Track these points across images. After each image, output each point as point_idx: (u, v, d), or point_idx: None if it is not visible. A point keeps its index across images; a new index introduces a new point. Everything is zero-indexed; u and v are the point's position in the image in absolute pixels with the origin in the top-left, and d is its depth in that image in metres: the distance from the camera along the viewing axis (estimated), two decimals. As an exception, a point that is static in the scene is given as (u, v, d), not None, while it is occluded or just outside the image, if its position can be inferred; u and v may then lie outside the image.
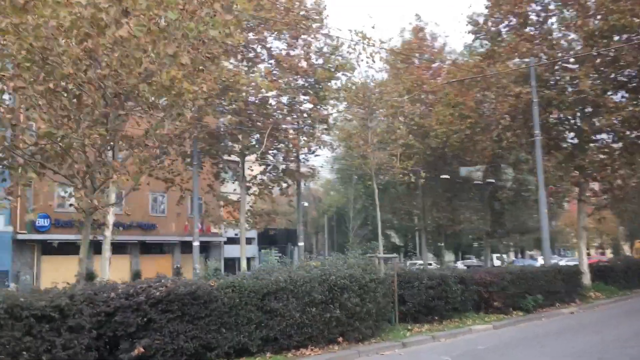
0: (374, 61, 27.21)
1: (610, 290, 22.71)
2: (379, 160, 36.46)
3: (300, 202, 30.86)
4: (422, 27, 36.75)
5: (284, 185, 27.30)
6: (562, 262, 36.02)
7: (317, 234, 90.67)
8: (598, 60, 20.92)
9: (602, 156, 21.89)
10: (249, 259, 44.26)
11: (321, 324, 10.66)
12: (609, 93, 22.35)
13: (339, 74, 26.83)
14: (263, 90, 22.36)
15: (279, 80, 24.69)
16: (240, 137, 24.30)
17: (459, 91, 27.15)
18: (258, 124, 23.62)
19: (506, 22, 24.07)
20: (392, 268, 14.15)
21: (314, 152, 27.46)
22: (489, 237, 41.76)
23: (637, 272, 25.58)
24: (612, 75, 22.18)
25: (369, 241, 71.15)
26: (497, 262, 60.44)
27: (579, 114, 22.05)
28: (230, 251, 42.71)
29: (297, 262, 48.03)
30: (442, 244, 40.58)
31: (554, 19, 23.38)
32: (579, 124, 21.71)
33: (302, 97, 25.58)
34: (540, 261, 46.72)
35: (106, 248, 19.74)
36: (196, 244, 24.95)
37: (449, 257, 74.55)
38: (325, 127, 26.27)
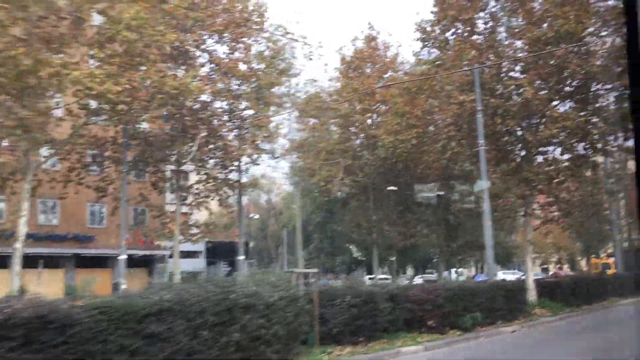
0: (325, 70, 26.12)
1: (556, 307, 21.90)
2: (328, 173, 35.68)
3: (242, 213, 29.46)
4: (374, 36, 36.03)
5: (224, 195, 25.93)
6: (515, 277, 35.54)
7: (277, 247, 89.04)
8: (543, 69, 20.25)
9: (547, 168, 21.18)
10: (195, 274, 42.52)
11: (217, 349, 9.31)
12: (556, 103, 21.79)
13: (283, 79, 25.75)
14: (197, 94, 21.06)
15: (218, 85, 23.45)
16: (174, 144, 22.93)
17: (407, 100, 26.32)
18: (194, 130, 22.27)
19: (453, 30, 23.34)
20: (315, 285, 12.93)
21: (255, 161, 26.22)
22: (442, 252, 40.99)
23: (586, 288, 24.90)
24: (560, 86, 21.63)
25: (328, 255, 69.98)
26: (455, 277, 59.82)
27: (524, 124, 21.34)
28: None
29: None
30: (394, 259, 39.47)
31: (502, 28, 22.80)
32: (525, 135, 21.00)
33: (243, 104, 24.35)
34: (501, 275, 46.27)
35: (16, 261, 18.13)
36: (123, 257, 23.35)
37: (411, 271, 73.87)
38: (266, 134, 25.04)
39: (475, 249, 52.42)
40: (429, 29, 24.28)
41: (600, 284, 26.57)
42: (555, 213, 22.38)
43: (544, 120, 20.29)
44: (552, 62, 20.11)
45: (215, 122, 23.00)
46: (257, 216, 79.78)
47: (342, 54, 35.64)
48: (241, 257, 27.80)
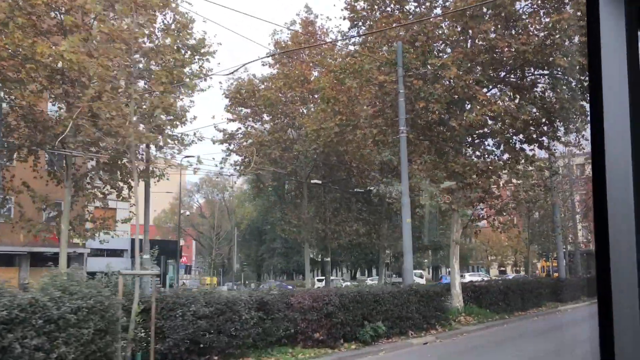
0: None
1: (483, 314, 19.80)
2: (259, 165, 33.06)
3: (149, 205, 26.61)
4: (312, 21, 33.65)
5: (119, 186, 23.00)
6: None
7: (230, 247, 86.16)
8: (472, 49, 18.10)
9: (477, 160, 19.03)
10: (106, 274, 39.45)
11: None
12: (490, 89, 19.74)
13: (197, 59, 23.04)
14: (79, 67, 18.18)
15: (113, 59, 20.56)
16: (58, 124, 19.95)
17: (334, 86, 23.91)
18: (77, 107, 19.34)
19: (383, 7, 21.07)
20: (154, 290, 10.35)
21: (161, 149, 23.39)
22: (384, 253, 38.89)
23: (519, 293, 22.92)
24: (491, 68, 19.56)
25: (282, 256, 66.81)
26: (418, 280, 57.67)
27: (455, 109, 19.14)
28: (97, 264, 37.54)
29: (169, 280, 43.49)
30: (328, 259, 37.07)
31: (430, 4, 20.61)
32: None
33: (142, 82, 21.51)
34: (468, 277, 44.23)
35: None
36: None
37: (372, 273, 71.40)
38: (171, 117, 22.22)
39: (424, 249, 50.90)
40: (358, 6, 21.99)
41: (536, 288, 24.64)
42: (484, 211, 20.18)
43: (469, 106, 18.06)
44: (480, 42, 17.99)
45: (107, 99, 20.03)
46: (187, 213, 76.65)
47: (276, 38, 33.19)
48: (146, 256, 24.92)
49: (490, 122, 18.77)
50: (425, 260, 77.32)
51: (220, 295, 10.71)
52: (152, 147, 24.04)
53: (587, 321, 22.25)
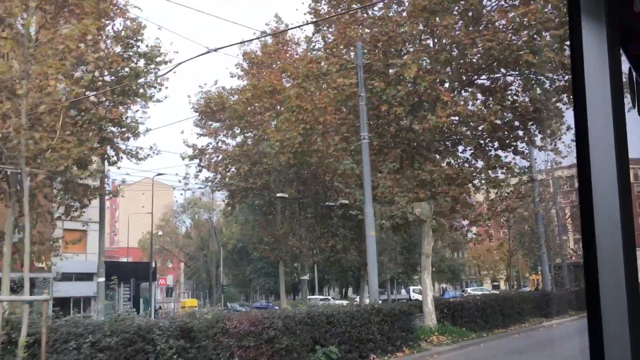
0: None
1: (458, 332, 18.32)
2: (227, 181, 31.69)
3: (104, 226, 25.10)
4: (282, 30, 32.51)
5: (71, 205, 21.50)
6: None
7: (217, 268, 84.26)
8: (434, 46, 16.92)
9: (446, 168, 17.72)
10: (88, 298, 37.69)
11: None
12: (459, 91, 18.54)
13: (151, 68, 21.75)
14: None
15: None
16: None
17: (299, 94, 22.63)
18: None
19: (346, 8, 19.90)
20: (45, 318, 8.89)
21: (114, 164, 22.00)
22: (364, 269, 37.34)
23: (499, 309, 21.48)
24: (460, 69, 18.43)
25: (269, 275, 64.97)
26: (415, 296, 55.94)
27: (420, 113, 17.86)
28: (63, 289, 35.86)
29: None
30: (306, 277, 35.49)
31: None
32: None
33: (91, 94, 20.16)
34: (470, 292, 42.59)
35: None
36: None
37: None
38: (123, 129, 20.85)
39: (409, 266, 49.47)
40: (320, 8, 20.86)
41: (519, 304, 23.22)
42: (456, 222, 18.79)
43: (435, 106, 16.78)
44: (444, 40, 16.81)
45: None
46: (160, 232, 74.91)
47: (245, 49, 32.00)
48: (100, 279, 23.40)
49: (459, 126, 17.51)
50: (416, 277, 75.83)
51: (133, 322, 9.23)
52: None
53: (573, 337, 20.85)
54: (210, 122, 32.65)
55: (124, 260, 63.44)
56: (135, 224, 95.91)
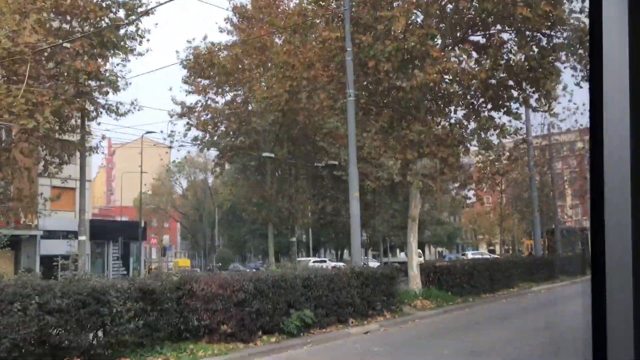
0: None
1: (443, 297, 17.92)
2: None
3: (84, 180, 24.44)
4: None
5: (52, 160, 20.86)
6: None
7: (212, 229, 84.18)
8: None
9: (433, 126, 17.00)
10: (76, 256, 37.24)
11: None
12: (451, 48, 17.67)
13: (131, 18, 20.80)
14: None
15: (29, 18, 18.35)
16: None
17: (289, 50, 21.74)
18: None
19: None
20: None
21: (94, 119, 21.26)
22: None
23: (487, 274, 21.08)
24: (452, 25, 17.55)
25: (263, 237, 64.73)
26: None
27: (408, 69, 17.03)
28: (50, 247, 35.44)
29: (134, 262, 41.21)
30: (294, 239, 35.10)
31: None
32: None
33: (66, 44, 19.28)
34: (470, 256, 42.51)
35: None
36: None
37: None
38: (102, 83, 20.02)
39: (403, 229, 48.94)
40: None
41: (507, 268, 22.84)
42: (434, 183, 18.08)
43: (424, 62, 15.94)
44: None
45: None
46: (149, 192, 74.41)
47: (235, 2, 30.81)
48: (82, 238, 22.95)
49: (450, 85, 16.73)
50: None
51: (87, 283, 8.69)
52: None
53: (561, 302, 20.54)
54: (199, 79, 31.69)
55: (119, 219, 62.98)
56: (132, 183, 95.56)
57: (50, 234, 36.24)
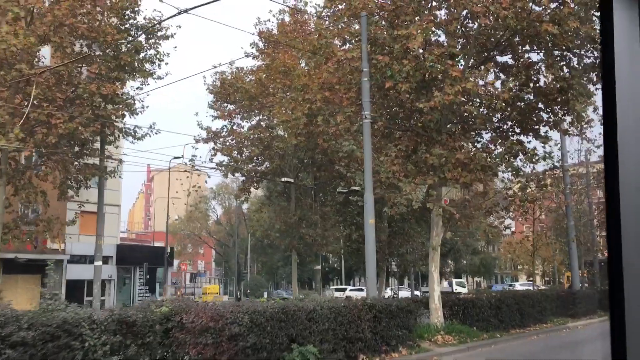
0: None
1: (467, 332, 16.75)
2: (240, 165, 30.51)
3: (102, 205, 24.12)
4: (300, 8, 31.03)
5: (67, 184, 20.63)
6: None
7: (245, 255, 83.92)
8: (445, 16, 15.25)
9: (457, 153, 16.03)
10: (103, 281, 37.15)
11: None
12: (475, 68, 16.81)
13: (151, 42, 20.68)
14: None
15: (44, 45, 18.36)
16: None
17: (309, 72, 21.28)
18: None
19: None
20: None
21: (112, 143, 21.05)
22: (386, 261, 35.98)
23: (517, 308, 19.77)
24: (475, 44, 16.73)
25: (297, 264, 64.07)
26: (460, 289, 53.98)
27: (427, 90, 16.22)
28: (77, 272, 35.42)
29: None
30: (319, 267, 34.20)
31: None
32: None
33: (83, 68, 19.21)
34: (518, 286, 40.69)
35: None
36: None
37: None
38: (117, 106, 19.80)
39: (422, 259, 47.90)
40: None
41: (540, 302, 21.43)
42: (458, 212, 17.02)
43: (443, 82, 15.12)
44: (454, 9, 15.13)
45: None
46: (176, 217, 74.51)
47: (260, 27, 30.64)
48: (97, 263, 22.57)
49: (471, 105, 15.83)
50: (448, 269, 74.08)
51: (58, 314, 8.06)
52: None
53: (597, 339, 19.03)
54: (225, 104, 31.51)
55: (156, 244, 63.17)
56: (170, 209, 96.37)
57: (77, 259, 36.24)
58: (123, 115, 20.06)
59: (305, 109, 19.75)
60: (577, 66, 16.80)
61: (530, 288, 34.00)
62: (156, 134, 21.32)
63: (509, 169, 18.04)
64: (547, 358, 15.28)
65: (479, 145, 18.61)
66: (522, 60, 17.81)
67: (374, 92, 16.51)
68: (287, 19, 30.39)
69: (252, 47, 30.26)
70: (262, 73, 27.74)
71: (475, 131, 18.37)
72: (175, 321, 9.74)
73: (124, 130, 20.58)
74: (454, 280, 72.10)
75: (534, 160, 16.49)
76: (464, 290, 58.29)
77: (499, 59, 18.37)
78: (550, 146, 17.09)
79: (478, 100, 15.46)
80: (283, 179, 25.80)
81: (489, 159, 15.65)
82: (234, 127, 31.14)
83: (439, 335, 16.02)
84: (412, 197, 15.58)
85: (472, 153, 16.37)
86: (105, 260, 38.30)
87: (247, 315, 10.18)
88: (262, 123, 29.12)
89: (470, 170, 16.09)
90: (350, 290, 51.91)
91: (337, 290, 55.35)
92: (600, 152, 29.51)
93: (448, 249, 63.63)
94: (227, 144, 31.05)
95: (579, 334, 20.48)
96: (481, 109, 17.52)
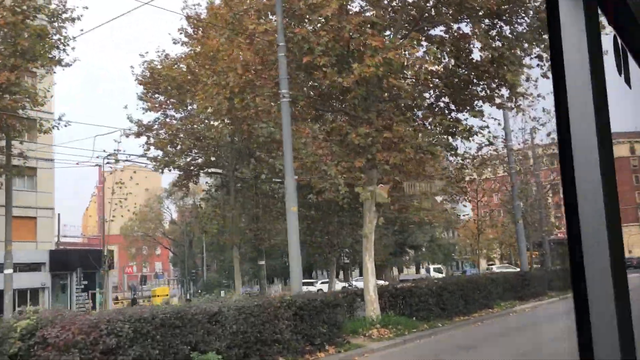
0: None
1: (405, 323, 15.60)
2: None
3: (11, 205, 22.13)
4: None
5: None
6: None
7: (201, 254, 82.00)
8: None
9: (380, 128, 14.79)
10: (36, 290, 34.87)
11: None
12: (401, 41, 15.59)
13: (56, 27, 18.78)
14: None
15: None
16: None
17: (229, 54, 19.69)
18: None
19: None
20: None
21: (16, 137, 19.10)
22: (336, 253, 34.93)
23: (460, 294, 18.77)
24: (402, 14, 15.53)
25: (253, 261, 62.40)
26: (437, 275, 52.73)
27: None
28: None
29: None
30: (263, 262, 32.79)
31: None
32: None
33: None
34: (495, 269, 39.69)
35: None
36: None
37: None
38: (15, 96, 17.88)
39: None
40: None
41: (485, 286, 20.52)
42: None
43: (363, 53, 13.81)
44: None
45: None
46: (112, 218, 72.19)
47: (188, 11, 28.86)
48: (8, 271, 20.62)
49: (397, 79, 14.59)
50: (408, 258, 73.66)
51: None
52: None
53: (550, 321, 18.21)
54: (156, 95, 29.67)
55: (96, 248, 60.45)
56: (123, 211, 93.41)
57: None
58: (23, 107, 18.11)
59: (227, 92, 18.19)
60: (509, 35, 15.79)
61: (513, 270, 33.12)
62: (65, 126, 19.44)
63: (445, 149, 17.00)
64: (486, 347, 14.25)
65: (416, 124, 17.46)
66: (453, 32, 16.71)
67: (293, 68, 15.14)
68: (217, 0, 28.74)
69: (181, 33, 28.49)
70: (191, 60, 26.07)
71: (410, 110, 17.19)
72: (38, 337, 8.19)
73: (24, 123, 18.65)
74: (431, 267, 71.20)
75: (464, 136, 15.40)
76: (441, 276, 57.45)
77: (433, 33, 17.23)
78: (485, 120, 16.07)
79: (408, 75, 14.25)
80: (210, 170, 24.24)
81: (419, 138, 14.44)
82: (167, 120, 29.40)
83: (374, 329, 14.84)
84: (339, 181, 14.29)
85: (402, 132, 15.12)
86: (38, 267, 36.06)
87: (129, 324, 8.69)
88: (193, 113, 27.43)
89: (400, 150, 14.89)
90: (322, 283, 50.48)
91: (305, 284, 54.17)
92: (546, 129, 28.94)
93: (405, 237, 63.18)
94: (161, 137, 29.26)
95: (524, 317, 19.66)
96: (417, 87, 16.42)
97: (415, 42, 14.24)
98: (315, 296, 12.89)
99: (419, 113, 17.38)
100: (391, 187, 15.75)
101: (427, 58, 13.93)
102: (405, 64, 13.92)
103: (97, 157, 38.44)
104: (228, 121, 20.08)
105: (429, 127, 17.10)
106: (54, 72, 19.00)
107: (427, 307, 17.06)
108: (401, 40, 14.37)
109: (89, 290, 36.86)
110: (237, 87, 17.09)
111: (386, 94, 15.74)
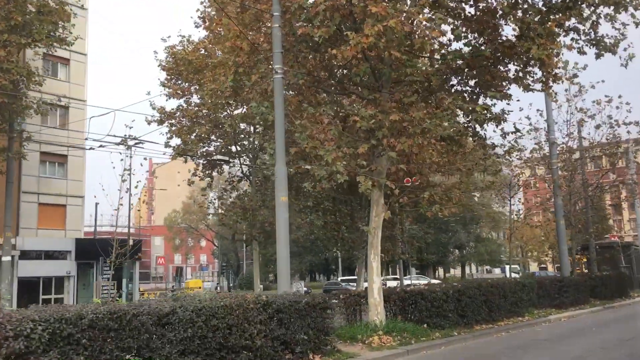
0: None
1: (413, 330, 13.84)
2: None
3: (11, 187, 21.41)
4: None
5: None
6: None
7: (246, 247, 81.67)
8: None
9: (387, 110, 13.05)
10: (61, 278, 34.61)
11: None
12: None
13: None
14: None
15: None
16: None
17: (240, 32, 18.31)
18: None
19: None
20: None
21: (17, 118, 18.31)
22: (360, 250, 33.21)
23: (483, 300, 16.82)
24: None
25: (294, 256, 61.34)
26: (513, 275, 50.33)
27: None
28: (30, 269, 32.72)
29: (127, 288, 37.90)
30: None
31: None
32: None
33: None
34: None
35: None
36: None
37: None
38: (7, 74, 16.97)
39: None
40: None
41: (514, 292, 18.45)
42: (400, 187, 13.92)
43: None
44: None
45: None
46: (138, 208, 72.32)
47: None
48: (6, 258, 19.92)
49: (405, 54, 12.81)
50: (454, 258, 71.13)
51: None
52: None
53: (588, 333, 16.06)
54: (179, 81, 28.65)
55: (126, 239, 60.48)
56: (169, 203, 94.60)
57: (33, 254, 33.55)
58: (20, 88, 17.22)
59: (231, 73, 16.81)
60: (541, 7, 13.74)
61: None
62: (66, 107, 18.50)
63: (466, 134, 15.12)
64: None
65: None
66: (481, 6, 14.76)
67: (291, 42, 13.60)
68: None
69: (200, 14, 27.20)
70: (209, 42, 24.89)
71: (427, 91, 15.31)
72: None
73: (24, 104, 17.79)
74: (507, 267, 67.38)
75: (479, 119, 13.47)
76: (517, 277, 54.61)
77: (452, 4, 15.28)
78: (509, 103, 14.07)
79: (409, 43, 12.45)
80: (218, 157, 22.97)
81: (426, 120, 12.60)
82: (190, 107, 28.33)
83: (375, 335, 13.16)
84: (337, 168, 12.64)
85: (412, 115, 13.29)
86: (64, 255, 35.83)
87: (44, 325, 7.36)
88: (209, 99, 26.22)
89: (409, 135, 13.11)
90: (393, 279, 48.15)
91: (344, 281, 52.73)
92: (594, 122, 26.34)
93: (449, 236, 60.61)
94: (182, 124, 28.24)
95: (558, 327, 17.48)
96: (433, 65, 14.61)
97: (424, 10, 12.41)
98: (300, 298, 11.30)
99: (436, 95, 15.48)
100: (397, 178, 13.94)
101: (434, 26, 12.05)
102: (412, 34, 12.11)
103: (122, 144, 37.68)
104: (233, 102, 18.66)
105: (446, 111, 15.17)
106: (55, 51, 18.01)
107: (441, 313, 15.22)
108: (408, 8, 12.57)
109: (117, 280, 36.45)
110: (242, 67, 15.69)
111: (395, 74, 13.93)
